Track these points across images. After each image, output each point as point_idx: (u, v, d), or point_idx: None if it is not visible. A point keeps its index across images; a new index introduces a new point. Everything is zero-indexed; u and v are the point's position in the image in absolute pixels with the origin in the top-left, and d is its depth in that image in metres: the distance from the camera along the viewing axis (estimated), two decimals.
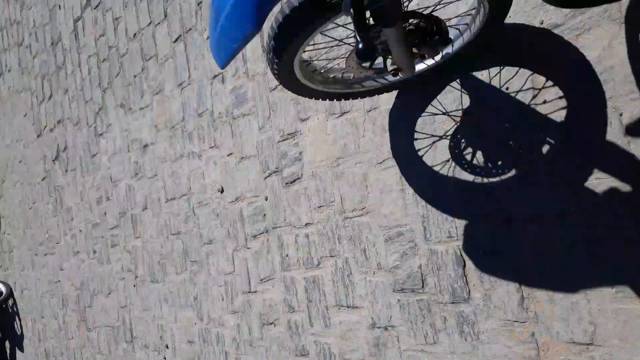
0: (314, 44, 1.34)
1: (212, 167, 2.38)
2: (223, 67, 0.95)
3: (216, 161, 2.35)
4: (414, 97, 1.54)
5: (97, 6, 3.11)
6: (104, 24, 3.06)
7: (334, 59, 1.49)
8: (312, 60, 1.39)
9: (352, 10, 0.62)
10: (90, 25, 3.19)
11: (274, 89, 2.04)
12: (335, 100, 1.55)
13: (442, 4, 1.28)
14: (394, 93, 1.59)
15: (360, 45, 0.62)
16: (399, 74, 1.32)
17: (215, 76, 2.33)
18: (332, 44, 1.59)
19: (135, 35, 2.80)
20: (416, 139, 1.52)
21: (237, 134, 2.23)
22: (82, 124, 3.43)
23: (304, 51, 1.23)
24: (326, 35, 1.33)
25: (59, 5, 3.52)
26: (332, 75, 1.49)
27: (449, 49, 1.37)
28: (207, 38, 2.32)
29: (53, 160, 3.87)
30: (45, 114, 3.94)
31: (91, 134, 3.33)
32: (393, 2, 0.86)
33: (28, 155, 4.32)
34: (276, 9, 1.78)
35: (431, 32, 1.16)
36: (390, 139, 1.60)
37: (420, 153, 1.50)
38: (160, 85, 2.66)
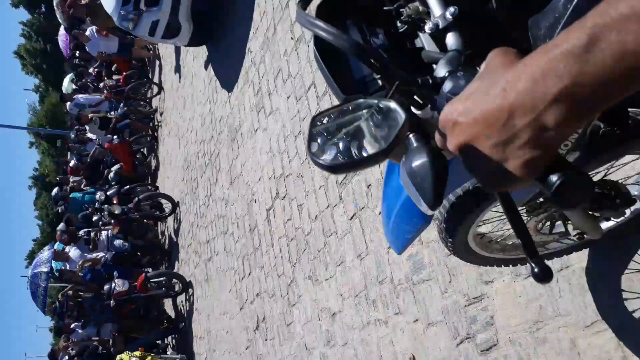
0: (486, 220, 1.37)
1: (400, 335, 2.37)
2: (400, 253, 1.03)
3: (403, 328, 2.35)
4: (610, 253, 1.42)
5: (284, 197, 3.64)
6: (290, 210, 3.54)
7: (508, 229, 1.48)
8: (487, 233, 1.40)
9: (520, 239, 0.59)
10: (280, 212, 3.71)
11: (450, 254, 2.05)
12: (519, 265, 1.50)
13: (615, 167, 1.23)
14: (586, 250, 1.48)
15: (536, 270, 0.54)
16: (585, 236, 1.26)
17: (390, 246, 2.45)
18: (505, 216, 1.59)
19: (316, 216, 3.16)
20: (626, 299, 1.35)
21: (420, 299, 2.23)
22: (276, 296, 3.78)
23: (477, 226, 1.25)
24: (497, 211, 1.35)
25: (255, 200, 4.21)
26: (511, 242, 1.46)
27: (637, 205, 1.27)
28: (379, 213, 2.50)
29: (254, 330, 4.25)
30: (245, 289, 4.45)
31: (285, 305, 3.64)
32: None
33: (233, 326, 4.82)
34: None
35: (609, 195, 1.11)
36: (593, 299, 1.45)
37: (636, 315, 1.32)
38: (342, 257, 2.87)
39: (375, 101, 0.55)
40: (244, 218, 4.46)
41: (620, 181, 1.19)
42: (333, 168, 0.53)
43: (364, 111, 0.56)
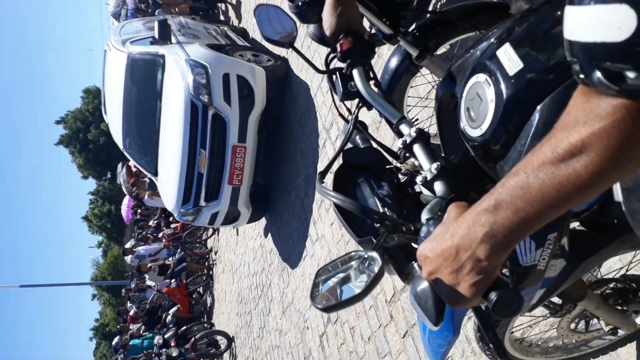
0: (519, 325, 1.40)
1: None
2: None
3: None
4: None
5: (335, 321, 3.67)
6: (343, 334, 3.54)
7: (546, 332, 1.51)
8: (526, 337, 1.43)
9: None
10: (333, 337, 3.71)
11: None
12: None
13: (634, 261, 1.31)
14: (633, 344, 1.48)
15: None
16: (619, 331, 1.28)
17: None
18: (538, 320, 1.62)
19: (369, 338, 3.16)
20: None
21: None
22: None
23: (512, 332, 1.31)
24: (529, 315, 1.41)
25: (307, 327, 4.23)
26: (552, 344, 1.48)
27: None
28: None
29: None
30: None
31: None
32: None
33: None
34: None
35: (632, 289, 1.18)
36: None
37: None
38: None
39: (363, 253, 0.71)
40: (297, 347, 4.42)
41: None
42: (325, 309, 0.70)
43: (354, 262, 0.72)
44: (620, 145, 0.47)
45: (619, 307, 1.25)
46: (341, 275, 0.73)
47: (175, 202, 5.49)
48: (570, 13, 0.47)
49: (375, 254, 0.70)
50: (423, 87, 2.26)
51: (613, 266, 1.45)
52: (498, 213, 0.56)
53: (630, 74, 0.43)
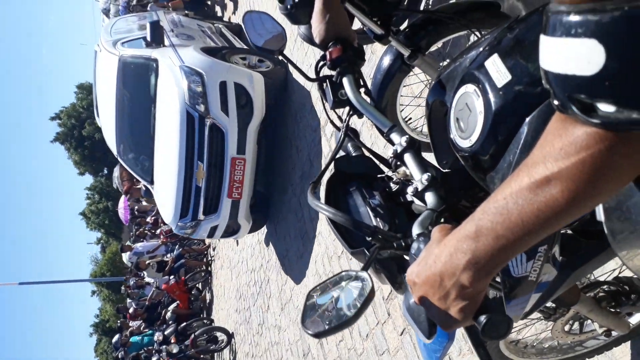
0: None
1: None
2: None
3: None
4: None
5: None
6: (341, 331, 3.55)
7: (541, 333, 1.51)
8: (521, 338, 1.44)
9: None
10: None
11: None
12: None
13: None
14: (628, 344, 1.48)
15: None
16: (613, 333, 1.28)
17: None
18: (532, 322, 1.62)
19: (367, 335, 3.17)
20: None
21: None
22: None
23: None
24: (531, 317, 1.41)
25: None
26: (548, 345, 1.49)
27: None
28: None
29: None
30: None
31: None
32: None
33: None
34: None
35: (624, 292, 1.18)
36: None
37: None
38: None
39: (353, 273, 0.70)
40: (297, 343, 4.44)
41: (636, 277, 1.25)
42: (316, 335, 0.69)
43: (344, 282, 0.71)
44: (595, 174, 0.47)
45: (612, 310, 1.25)
46: (332, 296, 0.72)
47: (173, 216, 5.34)
48: (544, 43, 0.47)
49: (365, 275, 0.69)
50: (416, 85, 2.25)
51: (607, 267, 1.44)
52: (479, 239, 0.56)
53: (602, 107, 0.43)
